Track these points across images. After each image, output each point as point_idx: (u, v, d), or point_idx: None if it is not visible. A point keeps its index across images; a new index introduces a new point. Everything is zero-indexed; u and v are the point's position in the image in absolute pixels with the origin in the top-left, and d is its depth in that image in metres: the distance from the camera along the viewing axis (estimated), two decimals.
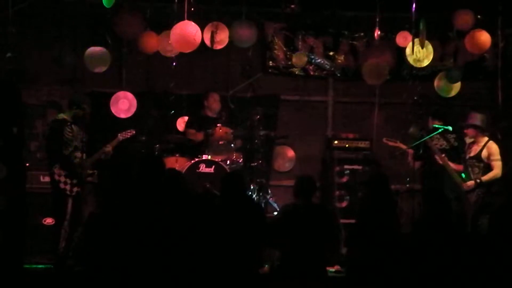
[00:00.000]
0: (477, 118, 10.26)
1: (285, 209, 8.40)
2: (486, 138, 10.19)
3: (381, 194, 8.11)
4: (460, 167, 10.30)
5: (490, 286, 7.43)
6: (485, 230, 9.97)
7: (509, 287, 7.42)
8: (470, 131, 10.23)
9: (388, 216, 7.96)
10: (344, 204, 11.49)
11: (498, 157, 10.11)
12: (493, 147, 10.15)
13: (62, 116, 9.54)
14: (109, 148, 9.65)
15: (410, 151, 10.62)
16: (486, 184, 9.97)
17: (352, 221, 9.71)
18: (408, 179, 10.92)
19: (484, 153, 10.10)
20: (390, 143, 10.91)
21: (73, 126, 9.45)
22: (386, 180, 8.36)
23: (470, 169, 10.14)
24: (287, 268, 7.87)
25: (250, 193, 11.06)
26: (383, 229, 7.77)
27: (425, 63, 10.74)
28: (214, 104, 11.39)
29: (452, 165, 10.33)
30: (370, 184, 8.42)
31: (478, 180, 9.97)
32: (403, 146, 10.74)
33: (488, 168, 10.05)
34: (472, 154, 10.14)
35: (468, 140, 10.28)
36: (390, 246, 7.70)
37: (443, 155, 10.35)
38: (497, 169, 10.04)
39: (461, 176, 10.13)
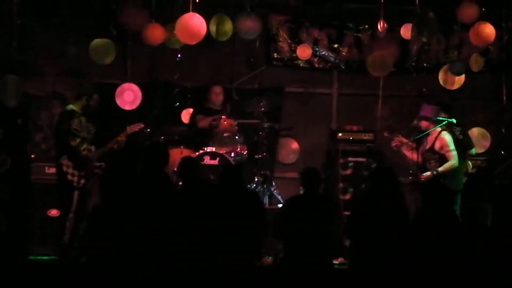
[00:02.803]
0: (429, 110, 10.28)
1: (290, 200, 8.43)
2: (438, 130, 10.20)
3: (386, 186, 8.10)
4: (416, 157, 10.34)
5: (490, 276, 7.47)
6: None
7: (509, 276, 7.47)
8: (423, 123, 10.25)
9: (394, 208, 7.93)
10: (348, 196, 11.48)
11: (452, 147, 10.09)
12: (445, 138, 10.14)
13: (70, 107, 9.53)
14: (122, 137, 9.63)
15: (412, 144, 10.60)
16: (442, 176, 9.98)
17: None
18: (411, 171, 10.93)
19: (437, 145, 10.13)
20: (392, 137, 10.91)
21: (81, 117, 9.44)
22: (390, 172, 8.36)
23: (427, 162, 10.16)
24: (291, 260, 7.89)
25: (253, 185, 11.10)
26: (388, 221, 7.76)
27: None
28: (215, 97, 11.39)
29: (408, 153, 10.37)
30: (374, 177, 8.43)
31: (434, 172, 9.98)
32: (404, 140, 10.73)
33: (444, 159, 10.06)
34: (427, 147, 10.16)
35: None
36: (395, 238, 7.70)
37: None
38: (452, 160, 10.04)
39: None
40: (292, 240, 7.99)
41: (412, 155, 10.44)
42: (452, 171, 10.05)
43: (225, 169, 8.72)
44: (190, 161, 8.73)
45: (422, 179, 10.00)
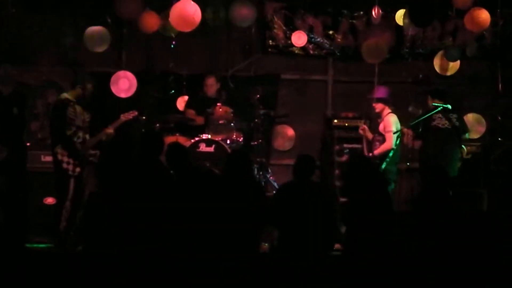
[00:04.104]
0: (383, 91, 10.34)
1: (283, 187, 8.43)
2: (388, 111, 10.23)
3: (365, 173, 8.06)
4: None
5: (488, 263, 7.48)
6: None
7: (507, 264, 7.48)
8: (378, 106, 10.29)
9: (376, 194, 7.92)
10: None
11: (391, 129, 10.14)
12: (389, 119, 10.21)
13: (65, 95, 9.51)
14: (110, 129, 9.61)
15: (407, 131, 10.62)
16: (379, 158, 10.02)
17: None
18: (410, 156, 10.96)
19: (381, 127, 10.18)
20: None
21: (76, 106, 9.43)
22: (366, 160, 8.33)
23: (374, 144, 10.21)
24: (285, 247, 7.90)
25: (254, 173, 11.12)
26: (373, 207, 7.74)
27: None
28: (208, 89, 11.35)
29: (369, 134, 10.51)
30: (352, 165, 8.38)
31: (370, 154, 10.03)
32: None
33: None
34: (379, 130, 10.24)
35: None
36: (383, 223, 7.69)
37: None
38: (388, 141, 10.09)
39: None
40: (285, 227, 7.99)
41: (408, 142, 10.50)
42: (394, 155, 10.07)
43: (232, 156, 8.69)
44: (176, 147, 8.74)
45: None
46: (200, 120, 11.17)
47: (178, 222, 7.75)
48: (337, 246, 9.45)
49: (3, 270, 7.75)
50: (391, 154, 10.13)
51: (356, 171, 8.03)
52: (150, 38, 11.48)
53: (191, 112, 11.26)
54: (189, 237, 7.72)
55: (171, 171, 8.35)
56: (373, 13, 10.96)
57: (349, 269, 7.60)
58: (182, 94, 11.70)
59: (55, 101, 9.78)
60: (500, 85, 12.03)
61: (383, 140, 10.17)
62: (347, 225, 8.07)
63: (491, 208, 10.64)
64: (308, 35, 12.11)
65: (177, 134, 10.90)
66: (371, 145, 10.36)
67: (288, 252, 7.82)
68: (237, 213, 7.85)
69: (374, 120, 11.05)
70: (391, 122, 10.18)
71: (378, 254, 7.47)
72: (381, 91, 10.39)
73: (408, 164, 10.95)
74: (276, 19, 12.27)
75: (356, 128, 11.40)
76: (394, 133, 10.07)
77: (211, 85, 11.37)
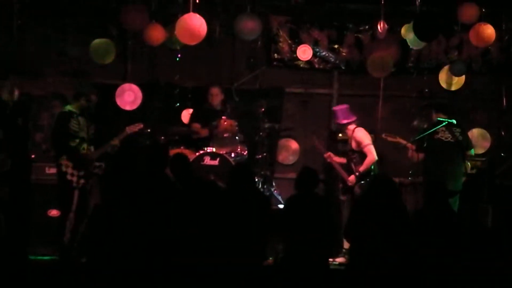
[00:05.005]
0: (346, 113, 10.34)
1: (287, 201, 8.43)
2: (353, 126, 10.22)
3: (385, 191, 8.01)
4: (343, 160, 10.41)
5: (490, 277, 7.47)
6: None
7: (509, 279, 7.46)
8: (350, 128, 10.37)
9: (393, 209, 7.88)
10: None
11: (367, 142, 10.16)
12: (359, 135, 10.21)
13: (68, 108, 9.52)
14: (116, 141, 9.61)
15: (411, 146, 10.61)
16: (366, 173, 10.01)
17: None
18: (410, 172, 10.95)
19: (353, 144, 10.19)
20: (390, 139, 10.92)
21: (79, 118, 9.43)
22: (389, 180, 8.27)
23: (351, 163, 10.19)
24: (290, 260, 7.88)
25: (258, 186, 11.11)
26: (386, 222, 7.72)
27: None
28: (213, 98, 11.35)
29: (337, 159, 10.45)
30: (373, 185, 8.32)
31: (357, 173, 10.01)
32: (403, 141, 10.73)
33: (365, 156, 10.09)
34: (350, 148, 10.24)
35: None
36: (394, 239, 7.66)
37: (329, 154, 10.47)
38: (370, 155, 10.09)
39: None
40: (290, 240, 7.98)
41: (413, 156, 10.48)
42: (375, 166, 10.04)
43: (235, 169, 8.68)
44: (180, 157, 8.74)
45: (350, 184, 10.05)
46: (204, 132, 11.17)
47: (182, 235, 7.74)
48: (341, 260, 9.48)
49: (6, 282, 7.75)
50: (372, 167, 10.15)
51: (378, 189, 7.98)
52: (155, 50, 11.49)
53: (197, 126, 11.25)
54: (194, 250, 7.71)
55: (177, 183, 8.34)
56: (379, 27, 10.97)
57: (354, 282, 7.59)
58: (187, 107, 11.71)
59: (58, 113, 9.78)
60: (505, 100, 12.04)
61: (359, 157, 10.16)
62: (352, 239, 8.01)
63: (496, 223, 10.61)
64: (313, 49, 12.11)
65: (182, 147, 10.90)
66: (347, 167, 10.33)
67: (293, 265, 7.80)
68: (243, 225, 7.84)
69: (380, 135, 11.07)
70: (363, 136, 10.22)
71: (383, 268, 7.45)
72: (344, 114, 10.38)
73: (410, 178, 10.94)
74: (281, 33, 12.27)
75: None
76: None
77: (216, 95, 11.37)
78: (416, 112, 11.52)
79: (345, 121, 10.35)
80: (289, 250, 7.98)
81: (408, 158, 10.67)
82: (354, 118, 10.41)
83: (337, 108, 10.56)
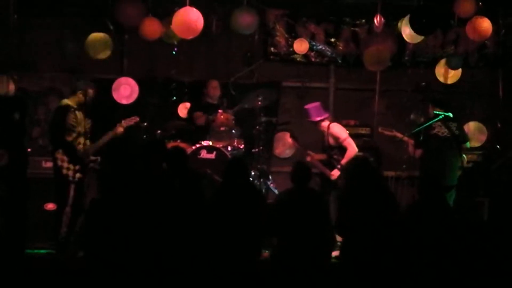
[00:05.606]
0: (318, 110, 10.34)
1: (280, 196, 8.43)
2: (327, 123, 10.21)
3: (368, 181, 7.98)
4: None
5: (486, 272, 7.48)
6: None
7: (505, 273, 7.48)
8: (324, 125, 10.28)
9: (383, 203, 7.86)
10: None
11: (344, 135, 10.14)
12: (336, 130, 10.19)
13: (66, 102, 9.53)
14: (120, 129, 9.62)
15: (407, 139, 10.61)
16: None
17: None
18: (404, 166, 10.97)
19: (331, 140, 10.16)
20: (386, 133, 10.94)
21: (77, 112, 9.45)
22: (367, 164, 8.24)
23: (332, 159, 10.19)
24: (284, 255, 7.89)
25: (252, 179, 11.11)
26: (375, 215, 7.70)
27: None
28: (213, 91, 11.39)
29: (317, 156, 10.44)
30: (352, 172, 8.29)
31: (339, 166, 10.00)
32: (399, 135, 10.75)
33: (345, 150, 10.09)
34: (328, 144, 10.24)
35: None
36: (384, 231, 7.65)
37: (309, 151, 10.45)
38: (350, 148, 10.05)
39: None
40: (283, 234, 7.99)
41: (413, 152, 10.49)
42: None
43: (230, 163, 8.69)
44: (177, 151, 8.75)
45: (333, 178, 10.04)
46: (203, 119, 11.16)
47: (179, 229, 7.75)
48: (335, 253, 9.47)
49: (3, 276, 7.76)
50: None
51: (358, 175, 7.97)
52: (152, 45, 11.48)
53: (199, 114, 11.25)
54: (190, 243, 7.73)
55: (173, 177, 8.35)
56: (375, 21, 10.98)
57: (347, 276, 7.60)
58: (184, 101, 11.71)
59: (55, 108, 9.78)
60: (501, 94, 12.05)
61: (339, 151, 10.15)
62: (344, 233, 8.00)
63: (492, 216, 10.63)
64: (310, 43, 12.12)
65: (178, 141, 10.90)
66: (329, 164, 10.31)
67: (286, 259, 7.81)
68: (238, 219, 7.86)
69: (376, 128, 11.06)
70: (340, 131, 10.20)
71: (376, 262, 7.46)
72: (317, 111, 10.36)
73: (405, 172, 10.96)
74: (278, 27, 12.27)
75: (358, 136, 11.41)
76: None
77: (215, 88, 11.41)
78: (413, 105, 11.53)
79: (318, 118, 10.32)
80: (283, 244, 7.99)
81: (405, 152, 10.69)
82: (327, 115, 10.39)
83: (309, 106, 10.49)
